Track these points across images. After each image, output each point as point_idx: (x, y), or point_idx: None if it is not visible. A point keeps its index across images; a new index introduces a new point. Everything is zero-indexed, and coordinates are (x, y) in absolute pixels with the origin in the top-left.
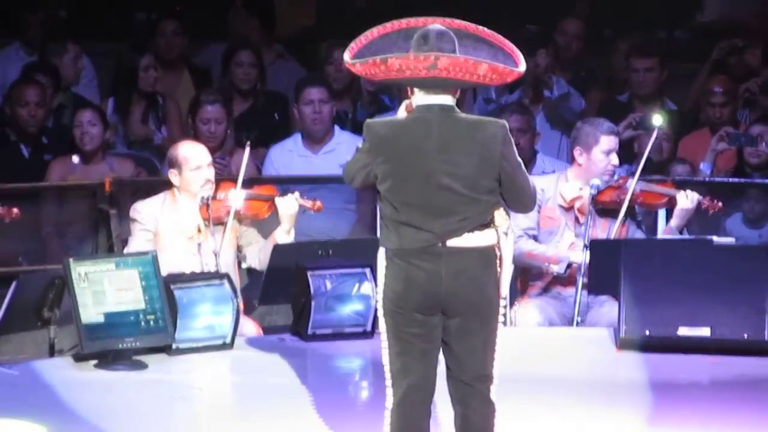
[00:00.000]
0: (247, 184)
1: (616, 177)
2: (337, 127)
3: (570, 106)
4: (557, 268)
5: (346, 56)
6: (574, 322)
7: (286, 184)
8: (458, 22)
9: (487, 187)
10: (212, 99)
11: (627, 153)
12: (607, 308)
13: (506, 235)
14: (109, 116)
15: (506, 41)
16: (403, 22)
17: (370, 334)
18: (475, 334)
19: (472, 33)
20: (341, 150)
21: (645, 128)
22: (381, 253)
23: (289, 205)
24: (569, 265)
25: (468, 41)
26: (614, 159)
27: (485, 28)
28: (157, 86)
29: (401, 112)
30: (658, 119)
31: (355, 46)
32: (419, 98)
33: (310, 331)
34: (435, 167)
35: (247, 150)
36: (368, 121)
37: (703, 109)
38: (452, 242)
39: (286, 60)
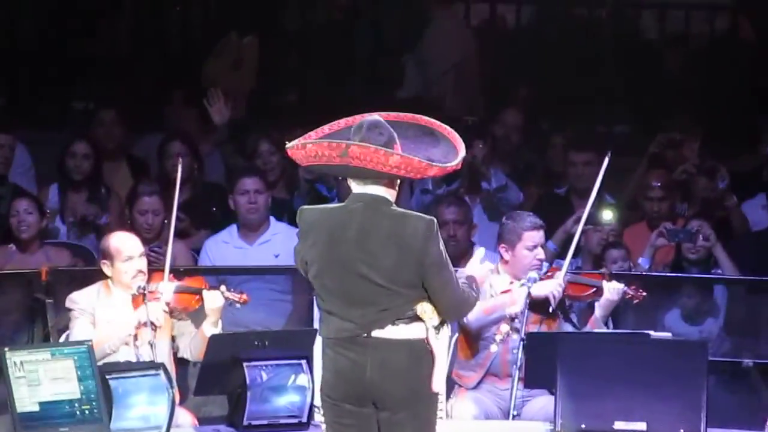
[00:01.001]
0: (182, 275)
1: (544, 269)
2: (272, 218)
3: (507, 198)
4: (518, 308)
5: (290, 143)
6: (510, 416)
7: (221, 275)
8: (394, 114)
9: (408, 281)
10: (149, 191)
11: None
12: (543, 402)
13: (437, 330)
14: (53, 203)
15: (445, 127)
16: (343, 121)
17: (306, 425)
18: (405, 428)
19: (410, 122)
20: (277, 240)
21: (595, 223)
22: (319, 342)
23: (214, 299)
24: (528, 295)
25: (410, 131)
26: (539, 253)
27: (423, 116)
28: (91, 174)
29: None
30: (608, 214)
31: (304, 138)
32: (353, 187)
33: (245, 422)
34: (353, 256)
35: (171, 237)
36: (301, 207)
37: (641, 202)
38: (377, 333)
39: (223, 150)
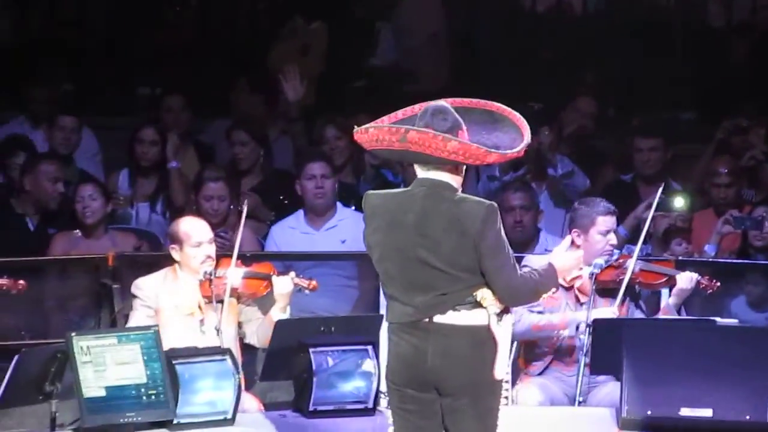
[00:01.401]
0: (249, 260)
1: (615, 256)
2: (339, 204)
3: (574, 184)
4: (567, 332)
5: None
6: (576, 402)
7: (288, 260)
8: (467, 101)
9: (467, 265)
10: (215, 176)
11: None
12: (609, 388)
13: (499, 317)
14: (123, 189)
15: (514, 113)
16: (417, 106)
17: (372, 410)
18: (466, 415)
19: (480, 108)
20: (343, 226)
21: (666, 209)
22: (385, 327)
23: (283, 284)
24: (577, 327)
25: (480, 117)
26: (612, 239)
27: (494, 102)
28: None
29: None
30: (679, 201)
31: (374, 123)
32: (418, 172)
33: (311, 408)
34: (413, 241)
35: (242, 223)
36: (367, 192)
37: (707, 189)
38: (439, 319)
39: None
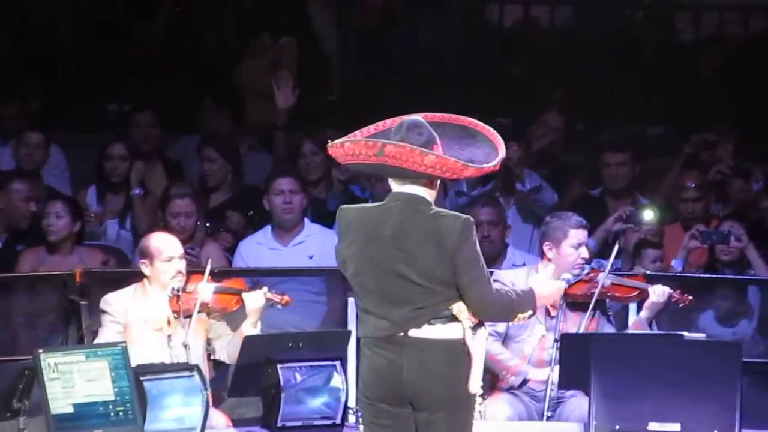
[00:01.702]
0: (218, 276)
1: (586, 270)
2: (307, 219)
3: (542, 199)
4: (513, 380)
5: (331, 142)
6: (544, 417)
7: (256, 276)
8: (439, 115)
9: (443, 278)
10: (182, 193)
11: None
12: (577, 403)
13: (474, 330)
14: (93, 206)
15: (488, 128)
16: (389, 121)
17: (340, 426)
18: (441, 429)
19: (453, 123)
20: (311, 242)
21: (636, 223)
22: (353, 343)
23: (256, 299)
24: (525, 381)
25: (454, 132)
26: (584, 252)
27: (466, 117)
28: (127, 176)
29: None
30: (649, 214)
31: (349, 137)
32: (393, 186)
33: (279, 424)
34: (389, 254)
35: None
36: (341, 206)
37: (675, 204)
38: (414, 333)
39: (258, 152)
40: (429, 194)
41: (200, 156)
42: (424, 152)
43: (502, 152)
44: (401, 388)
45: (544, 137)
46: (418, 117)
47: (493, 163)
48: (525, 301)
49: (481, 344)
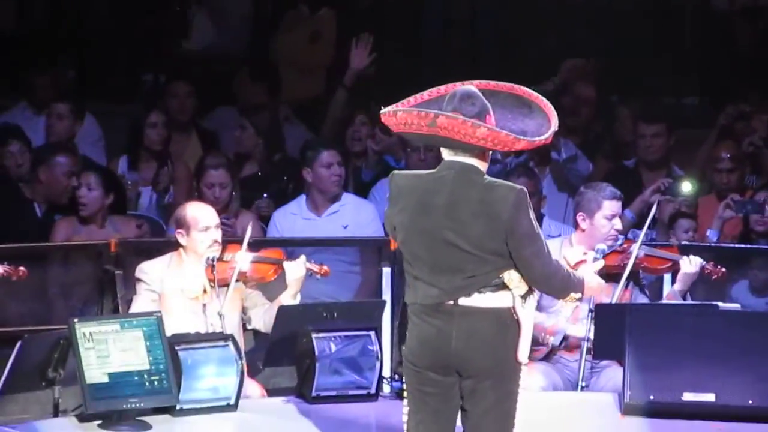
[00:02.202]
0: (253, 247)
1: (619, 241)
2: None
3: (577, 169)
4: (553, 340)
5: (384, 109)
6: (579, 387)
7: (291, 246)
8: (493, 84)
9: (495, 248)
10: (216, 163)
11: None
12: (612, 373)
13: (524, 299)
14: (127, 174)
15: (541, 98)
16: (443, 88)
17: (375, 396)
18: (487, 397)
19: (508, 92)
20: (345, 212)
21: (674, 194)
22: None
23: (297, 269)
24: (565, 338)
25: (508, 101)
26: (617, 223)
27: (521, 87)
28: (165, 146)
29: None
30: (687, 186)
31: (401, 104)
32: (444, 155)
33: (314, 394)
34: (441, 223)
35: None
36: (393, 172)
37: (710, 175)
38: (464, 301)
39: (293, 123)
40: (481, 164)
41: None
42: (475, 124)
43: (554, 124)
44: (449, 357)
45: (576, 108)
46: (471, 86)
47: (545, 136)
48: (578, 282)
49: (531, 313)
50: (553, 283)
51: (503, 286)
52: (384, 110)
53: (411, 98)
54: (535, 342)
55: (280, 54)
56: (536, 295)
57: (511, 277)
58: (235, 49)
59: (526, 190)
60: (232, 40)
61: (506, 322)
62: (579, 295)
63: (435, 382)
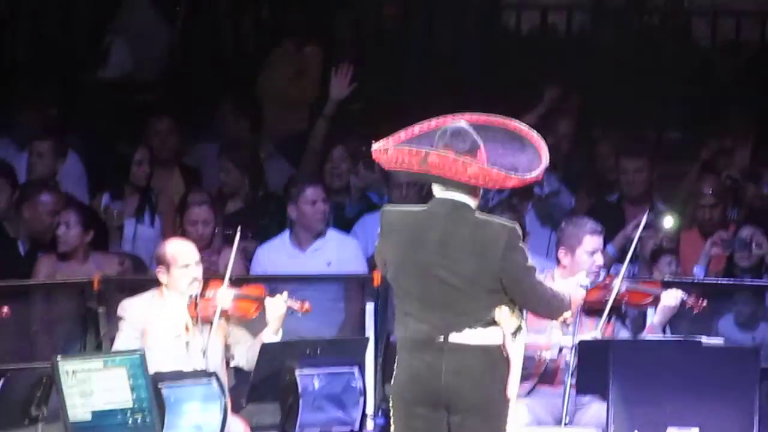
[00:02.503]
0: (235, 283)
1: (601, 276)
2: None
3: (560, 203)
4: (549, 354)
5: (375, 145)
6: (563, 422)
7: (274, 283)
8: (484, 117)
9: (487, 285)
10: (199, 200)
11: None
12: (596, 408)
13: (514, 335)
14: (111, 204)
15: (532, 133)
16: (434, 122)
17: None
18: None
19: (499, 126)
20: (329, 248)
21: (656, 229)
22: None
23: (277, 306)
24: (560, 350)
25: (498, 135)
26: (599, 259)
27: (513, 121)
28: (149, 181)
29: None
30: (669, 221)
31: (392, 139)
32: (436, 191)
33: (297, 430)
34: (433, 260)
35: (235, 246)
36: (384, 207)
37: (692, 210)
38: (454, 338)
39: (277, 159)
40: (472, 201)
41: (220, 165)
42: (466, 163)
43: (545, 159)
44: (438, 392)
45: (556, 143)
46: (462, 121)
47: (536, 172)
48: (568, 300)
49: (520, 349)
50: (551, 308)
51: (493, 323)
52: (375, 146)
53: (401, 132)
54: (532, 362)
55: (263, 89)
56: (525, 331)
57: (502, 314)
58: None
59: (518, 227)
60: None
61: (496, 358)
62: (569, 312)
63: (423, 418)
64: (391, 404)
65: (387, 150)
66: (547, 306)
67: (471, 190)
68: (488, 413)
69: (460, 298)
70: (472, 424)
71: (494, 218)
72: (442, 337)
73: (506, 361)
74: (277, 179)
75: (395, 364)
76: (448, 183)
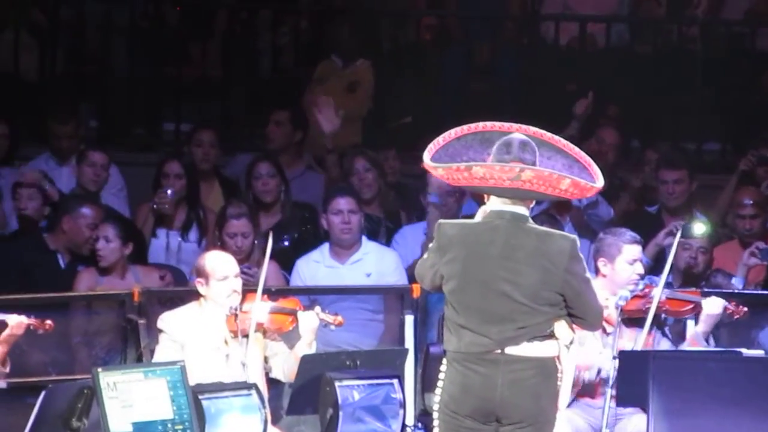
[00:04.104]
0: (274, 295)
1: (641, 286)
2: (364, 237)
3: (598, 214)
4: (588, 375)
5: (426, 157)
6: None
7: (313, 295)
8: (533, 130)
9: (549, 299)
10: (238, 213)
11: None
12: (636, 420)
13: (568, 348)
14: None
15: (581, 152)
16: (480, 126)
17: None
18: None
19: (547, 141)
20: (368, 260)
21: (686, 237)
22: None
23: (309, 320)
24: (598, 372)
25: (544, 149)
26: (638, 268)
27: (559, 138)
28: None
29: (479, 215)
30: (700, 228)
31: (433, 147)
32: (493, 204)
33: None
34: (496, 273)
35: (267, 258)
36: (440, 221)
37: (732, 221)
38: (510, 350)
39: (315, 171)
40: (527, 212)
41: (253, 173)
42: (561, 176)
43: (595, 168)
44: (493, 404)
45: (600, 153)
46: (520, 134)
47: (601, 182)
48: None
49: (573, 361)
50: (600, 320)
51: (549, 336)
52: (449, 165)
53: (440, 138)
54: (574, 384)
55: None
56: (577, 343)
57: (559, 327)
58: None
59: (577, 238)
60: None
61: (550, 370)
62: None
63: (472, 430)
64: (436, 416)
65: (470, 168)
66: (599, 318)
67: (527, 201)
68: (541, 424)
69: (521, 312)
70: None
71: (554, 230)
72: (500, 350)
73: (559, 373)
74: (315, 191)
75: (441, 376)
76: (512, 195)
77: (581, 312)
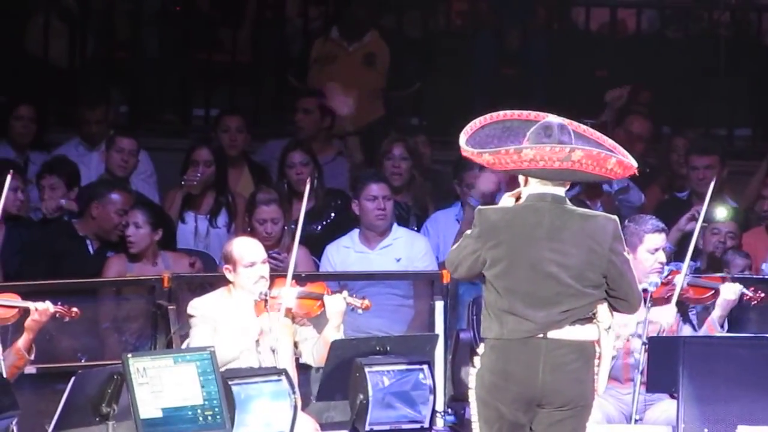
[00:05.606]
0: (303, 280)
1: (665, 273)
2: (394, 223)
3: (629, 199)
4: (615, 353)
5: (462, 142)
6: (633, 420)
7: (343, 280)
8: (561, 118)
9: (594, 280)
10: (268, 199)
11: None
12: (665, 405)
13: (607, 331)
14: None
15: (603, 136)
16: (501, 115)
17: (428, 430)
18: (565, 426)
19: (573, 130)
20: (398, 245)
21: (708, 221)
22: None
23: (336, 303)
24: (650, 299)
25: (575, 136)
26: (661, 256)
27: (578, 124)
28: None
29: (506, 201)
30: (722, 212)
31: (464, 136)
32: (533, 187)
33: (368, 428)
34: (543, 255)
35: (296, 245)
36: (479, 207)
37: (760, 207)
38: (553, 334)
39: (345, 157)
40: (565, 194)
41: (286, 162)
42: (608, 155)
43: (622, 152)
44: (534, 390)
45: (629, 141)
46: (557, 118)
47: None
48: None
49: (611, 345)
50: (639, 302)
51: (590, 319)
52: (497, 149)
53: (478, 120)
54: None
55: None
56: (615, 326)
57: (600, 310)
58: None
59: (618, 219)
60: None
61: (589, 354)
62: None
63: (510, 415)
64: (474, 402)
65: (519, 151)
66: (639, 300)
67: (566, 183)
68: (581, 408)
69: (567, 294)
70: (564, 418)
71: (597, 211)
72: (542, 334)
73: (598, 357)
74: (345, 177)
75: (477, 364)
76: (552, 177)
77: (623, 293)
